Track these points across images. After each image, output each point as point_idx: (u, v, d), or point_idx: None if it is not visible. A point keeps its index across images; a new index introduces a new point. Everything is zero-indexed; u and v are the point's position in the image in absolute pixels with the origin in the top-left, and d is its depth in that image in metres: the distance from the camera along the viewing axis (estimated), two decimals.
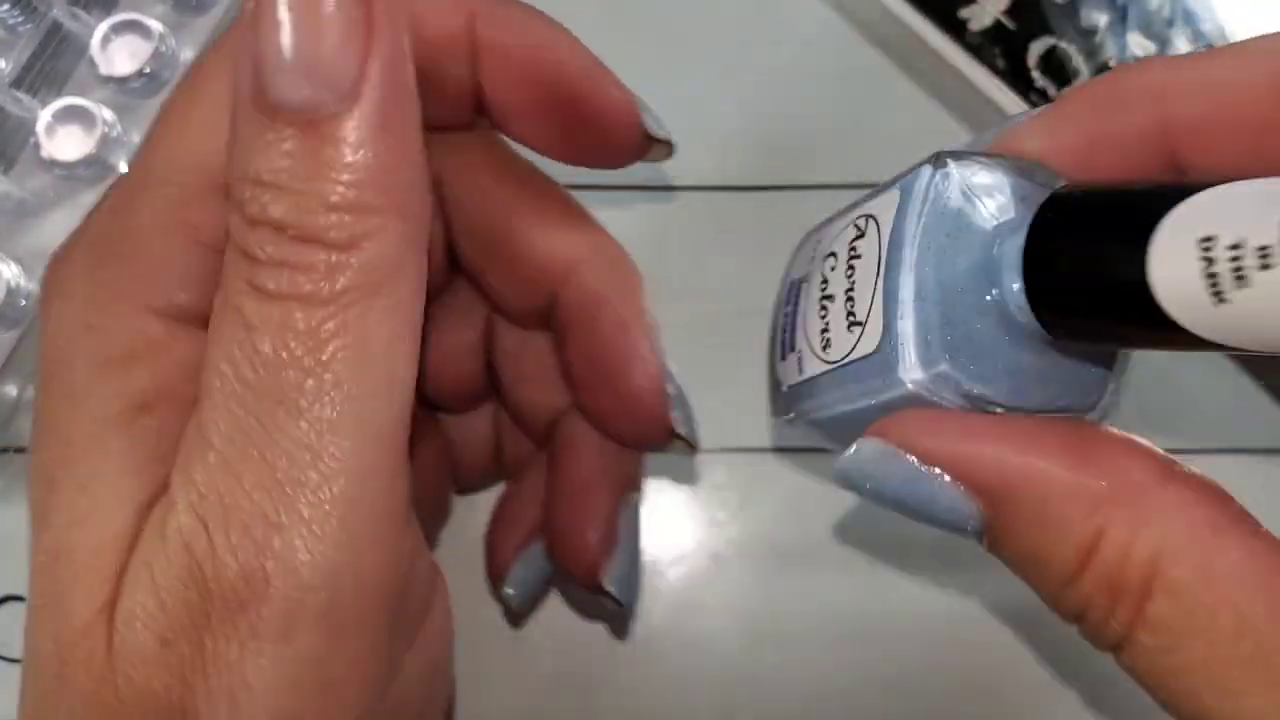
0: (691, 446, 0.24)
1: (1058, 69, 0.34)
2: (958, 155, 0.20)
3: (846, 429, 0.22)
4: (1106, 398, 0.20)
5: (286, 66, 0.16)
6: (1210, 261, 0.16)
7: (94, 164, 0.33)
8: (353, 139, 0.17)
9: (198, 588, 0.17)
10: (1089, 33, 0.34)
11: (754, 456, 0.33)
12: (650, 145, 0.24)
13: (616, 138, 0.23)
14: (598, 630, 0.32)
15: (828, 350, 0.22)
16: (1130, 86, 0.20)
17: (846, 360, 0.21)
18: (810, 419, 0.24)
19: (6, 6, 0.33)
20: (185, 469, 0.18)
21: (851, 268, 0.22)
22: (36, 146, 0.33)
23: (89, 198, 0.33)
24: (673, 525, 0.33)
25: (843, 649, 0.31)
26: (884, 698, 0.31)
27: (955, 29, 0.34)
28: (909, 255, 0.20)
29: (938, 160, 0.20)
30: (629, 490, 0.26)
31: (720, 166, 0.35)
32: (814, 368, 0.23)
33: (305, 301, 0.17)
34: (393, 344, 0.18)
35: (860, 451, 0.20)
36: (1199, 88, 0.19)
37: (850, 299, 0.22)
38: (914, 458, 0.19)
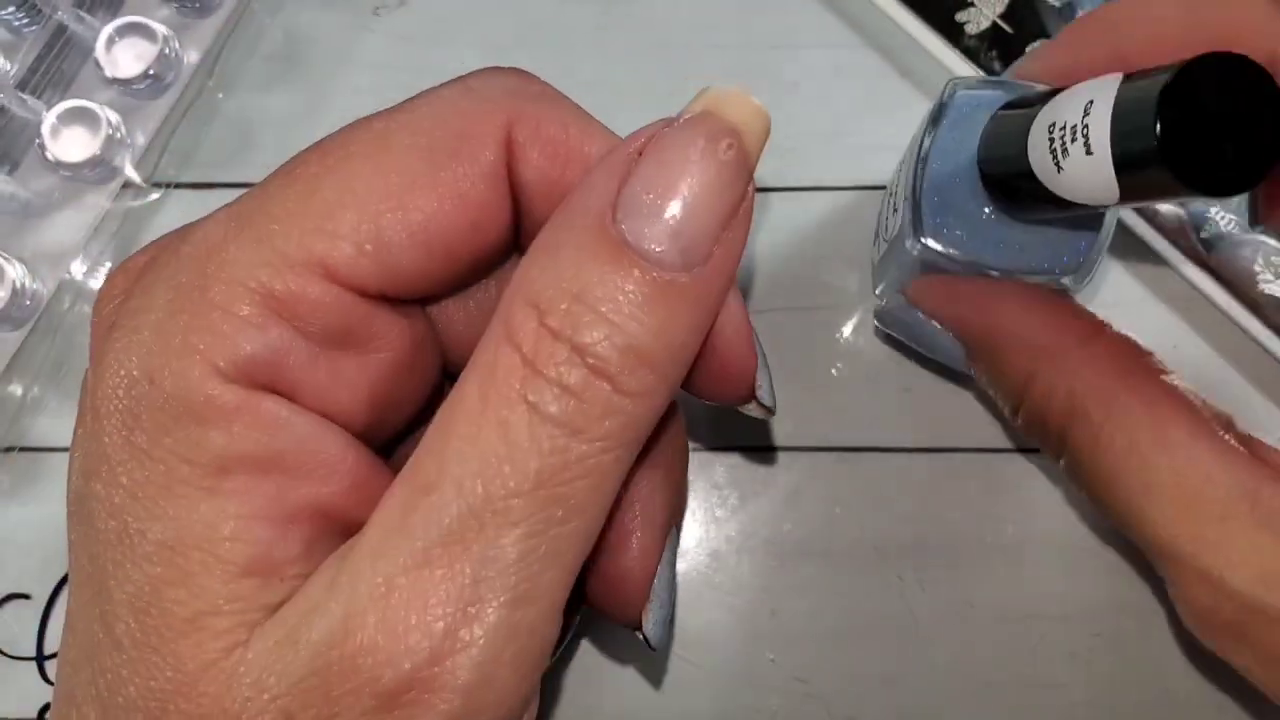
0: (769, 410, 0.24)
1: None
2: (966, 81, 0.28)
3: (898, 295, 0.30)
4: (1080, 260, 0.26)
5: (660, 219, 0.18)
6: (1051, 140, 0.22)
7: (99, 165, 0.33)
8: (682, 309, 0.18)
9: (342, 675, 0.17)
10: None
11: (754, 455, 0.33)
12: (749, 401, 0.23)
13: (724, 387, 0.22)
14: (597, 630, 0.32)
15: (885, 233, 0.31)
16: (1095, 22, 0.26)
17: (890, 238, 0.29)
18: (879, 290, 0.32)
19: (12, 9, 0.33)
20: (370, 553, 0.17)
21: (900, 171, 0.30)
22: (41, 148, 0.33)
23: (94, 199, 0.33)
24: None
25: (841, 647, 0.32)
26: (883, 696, 0.31)
27: (952, 32, 0.34)
28: (921, 154, 0.27)
29: (948, 85, 0.28)
30: (673, 526, 0.25)
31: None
32: (880, 248, 0.31)
33: (576, 434, 0.17)
34: (611, 496, 0.18)
35: (888, 304, 0.29)
36: (1139, 22, 0.24)
37: (893, 193, 0.30)
38: (920, 312, 0.28)
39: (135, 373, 0.18)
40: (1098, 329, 0.26)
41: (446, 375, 0.24)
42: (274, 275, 0.19)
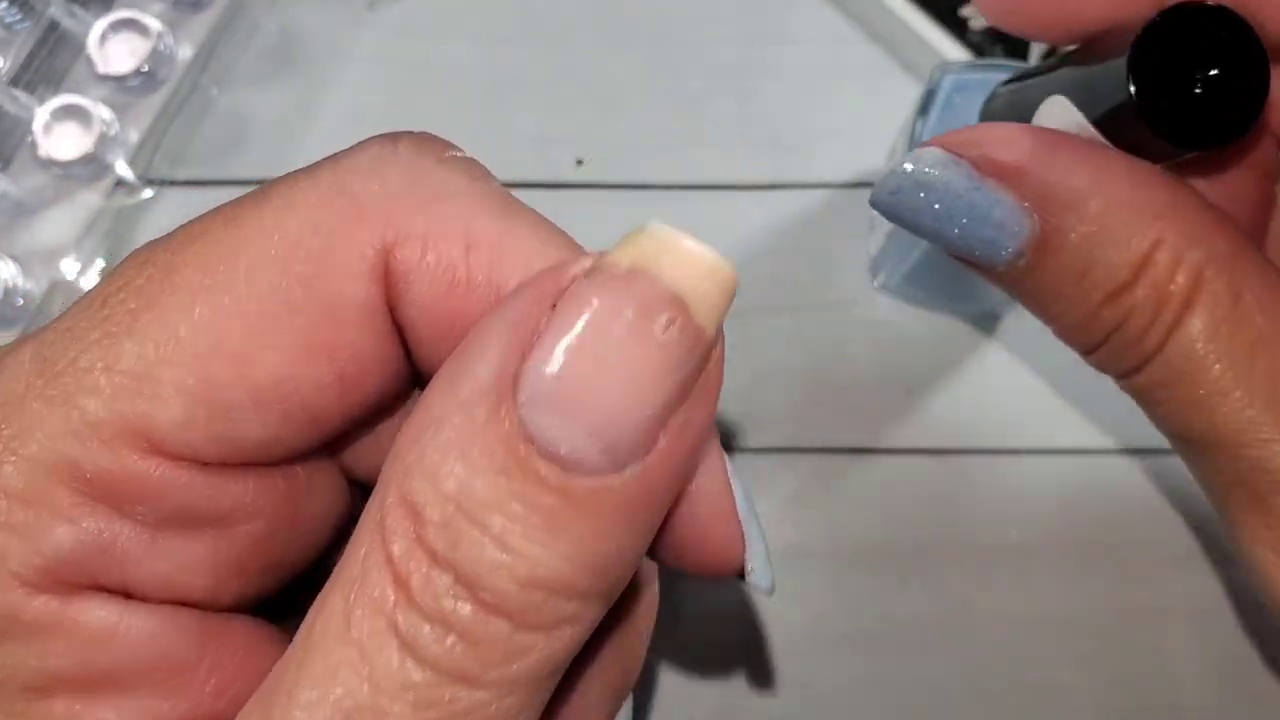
0: (764, 592, 0.19)
1: None
2: (953, 66, 0.28)
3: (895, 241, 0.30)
4: None
5: (573, 414, 0.13)
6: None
7: (91, 163, 0.33)
8: (611, 520, 0.14)
9: None
10: None
11: (754, 457, 0.33)
12: (737, 578, 0.19)
13: (703, 564, 0.18)
14: None
15: (880, 223, 0.31)
16: None
17: (888, 229, 0.30)
18: (877, 282, 0.32)
19: (4, 4, 0.33)
20: None
21: (890, 160, 0.31)
22: (33, 145, 0.32)
23: (86, 197, 0.33)
24: None
25: (842, 650, 0.31)
26: (885, 699, 0.31)
27: (956, 27, 0.34)
28: (913, 141, 0.27)
29: (935, 71, 0.28)
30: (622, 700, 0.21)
31: (720, 165, 0.35)
32: (877, 239, 0.32)
33: (462, 682, 0.14)
34: None
35: (922, 157, 0.20)
36: None
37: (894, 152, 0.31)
38: (972, 168, 0.20)
39: None
40: (1204, 197, 0.21)
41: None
42: (83, 450, 0.15)
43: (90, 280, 0.33)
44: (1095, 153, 0.20)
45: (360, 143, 0.17)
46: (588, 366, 0.13)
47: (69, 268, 0.33)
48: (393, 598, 0.13)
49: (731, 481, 0.18)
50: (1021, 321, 0.34)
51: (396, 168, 0.16)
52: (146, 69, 0.33)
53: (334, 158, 0.16)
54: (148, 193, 0.34)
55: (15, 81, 0.33)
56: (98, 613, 0.15)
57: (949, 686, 0.31)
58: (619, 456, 0.14)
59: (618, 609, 0.18)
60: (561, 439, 0.13)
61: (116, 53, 0.33)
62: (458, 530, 0.13)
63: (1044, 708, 0.31)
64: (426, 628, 0.13)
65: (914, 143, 0.28)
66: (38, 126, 0.32)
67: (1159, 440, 0.32)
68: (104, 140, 0.33)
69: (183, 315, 0.15)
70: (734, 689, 0.31)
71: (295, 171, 0.16)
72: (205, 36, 0.35)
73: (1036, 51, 0.34)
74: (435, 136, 0.17)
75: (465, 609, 0.13)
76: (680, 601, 0.32)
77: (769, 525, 0.32)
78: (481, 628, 0.13)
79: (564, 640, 0.14)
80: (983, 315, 0.34)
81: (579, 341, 0.13)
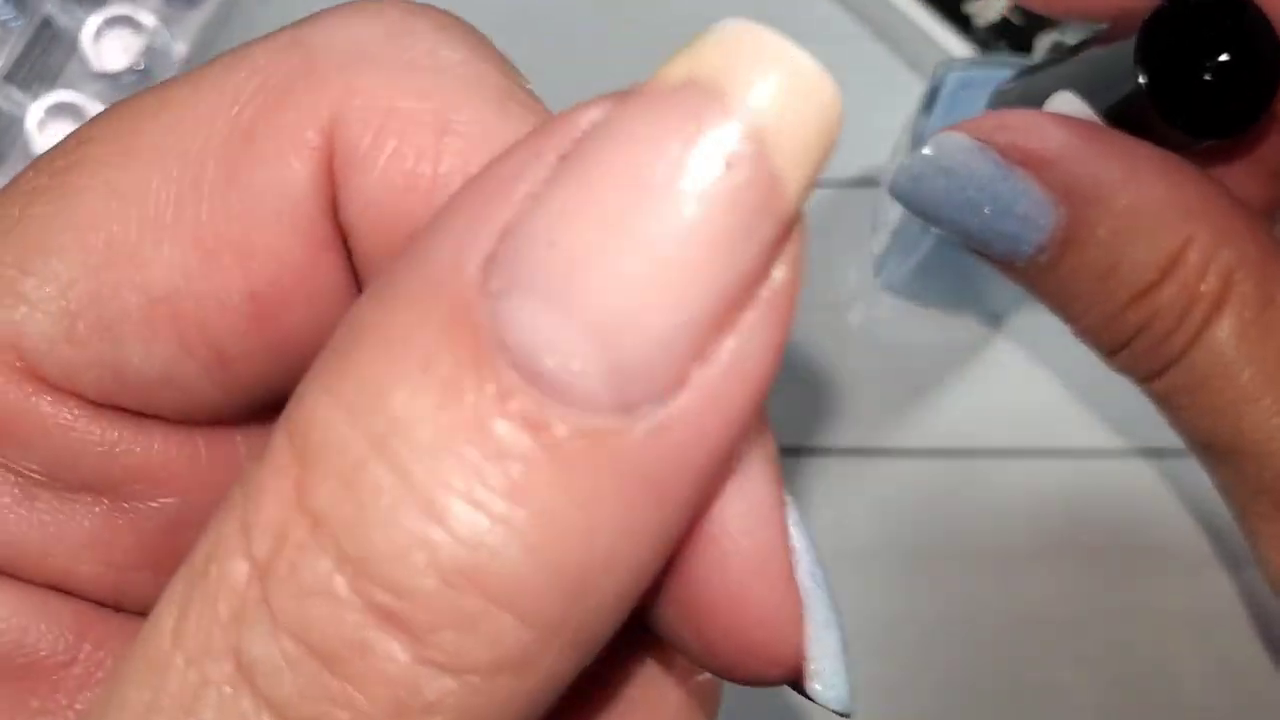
0: (842, 715, 0.13)
1: None
2: (956, 63, 0.28)
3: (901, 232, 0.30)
4: None
5: (579, 300, 0.09)
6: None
7: None
8: (610, 492, 0.09)
9: None
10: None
11: None
12: (794, 683, 0.13)
13: (740, 658, 0.12)
14: None
15: (884, 222, 0.31)
16: None
17: (894, 229, 0.30)
18: (881, 280, 0.32)
19: None
20: None
21: (894, 158, 0.31)
22: (27, 143, 0.32)
23: None
24: None
25: (848, 651, 0.31)
26: (890, 700, 0.31)
27: (961, 23, 0.34)
28: (916, 138, 0.27)
29: (938, 68, 0.27)
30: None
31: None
32: (881, 238, 0.32)
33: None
34: None
35: (946, 142, 0.19)
36: None
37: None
38: (999, 155, 0.19)
39: None
40: (1244, 205, 0.20)
41: None
42: None
43: None
44: (1127, 145, 0.19)
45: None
46: (601, 235, 0.09)
47: None
48: (240, 595, 0.09)
49: (792, 526, 0.12)
50: (1027, 321, 0.33)
51: (374, 25, 0.12)
52: (141, 66, 0.33)
53: (303, 21, 0.13)
54: None
55: (9, 79, 0.33)
56: None
57: (953, 688, 0.31)
58: (632, 389, 0.09)
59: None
60: (548, 346, 0.09)
61: (111, 50, 0.33)
62: (362, 479, 0.09)
63: (1047, 709, 0.31)
64: (277, 647, 0.09)
65: (917, 141, 0.27)
66: (31, 125, 0.32)
67: (1164, 442, 0.32)
68: None
69: (71, 198, 0.12)
70: (735, 689, 0.31)
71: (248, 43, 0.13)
72: (200, 33, 0.34)
73: (1041, 47, 0.33)
74: (442, 10, 0.13)
75: (345, 616, 0.09)
76: None
77: None
78: (361, 653, 0.09)
79: (496, 701, 0.09)
80: (988, 314, 0.33)
81: (591, 195, 0.09)
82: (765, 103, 0.09)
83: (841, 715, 0.13)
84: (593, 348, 0.09)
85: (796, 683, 0.13)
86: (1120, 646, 0.31)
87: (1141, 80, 0.19)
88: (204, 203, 0.12)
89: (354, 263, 0.13)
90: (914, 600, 0.31)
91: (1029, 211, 0.19)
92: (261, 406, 0.13)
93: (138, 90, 0.29)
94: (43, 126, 0.32)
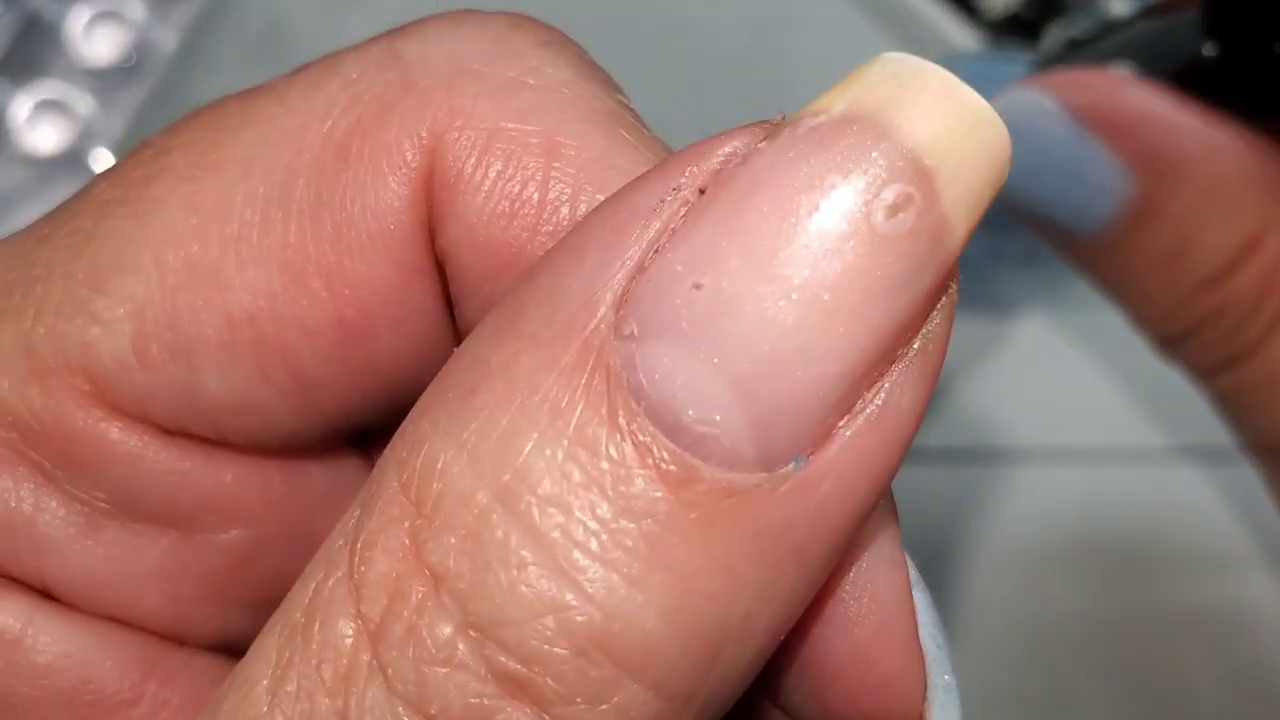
0: None
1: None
2: (960, 56, 0.27)
3: None
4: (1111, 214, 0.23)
5: (720, 347, 0.08)
6: None
7: (73, 156, 0.32)
8: (744, 554, 0.09)
9: None
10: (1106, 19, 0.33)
11: None
12: None
13: (855, 714, 0.12)
14: None
15: None
16: None
17: None
18: None
19: None
20: None
21: None
22: (14, 138, 0.32)
23: (67, 190, 0.32)
24: None
25: None
26: None
27: (969, 14, 0.33)
28: None
29: (944, 62, 0.25)
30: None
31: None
32: None
33: None
34: None
35: (1020, 100, 0.17)
36: None
37: None
38: (1075, 117, 0.17)
39: None
40: None
41: None
42: (14, 385, 0.11)
43: None
44: (1209, 119, 0.18)
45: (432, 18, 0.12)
46: (752, 278, 0.08)
47: None
48: (348, 658, 0.08)
49: (913, 586, 0.12)
50: (1034, 322, 0.33)
51: (476, 39, 0.12)
52: (130, 60, 0.33)
53: (392, 32, 0.12)
54: None
55: None
56: (6, 620, 0.12)
57: (962, 694, 0.30)
58: (776, 444, 0.08)
59: None
60: (690, 396, 0.08)
61: (98, 44, 0.33)
62: (488, 535, 0.08)
63: (1056, 716, 0.30)
64: (391, 718, 0.08)
65: None
66: (18, 119, 0.32)
67: (1176, 444, 0.32)
68: (86, 132, 0.32)
69: (148, 213, 0.11)
70: None
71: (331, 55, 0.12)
72: (189, 26, 0.34)
73: (1049, 38, 0.33)
74: (544, 24, 0.12)
75: (469, 684, 0.08)
76: None
77: None
78: (494, 714, 0.08)
79: None
80: (996, 310, 0.33)
81: (741, 234, 0.08)
82: (934, 142, 0.09)
83: None
84: (738, 399, 0.08)
85: None
86: (1132, 652, 0.31)
87: (1211, 52, 0.17)
88: (292, 222, 0.11)
89: (450, 291, 0.12)
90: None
91: (1102, 181, 0.18)
92: (338, 437, 0.13)
93: (130, 86, 0.29)
94: (29, 121, 0.32)
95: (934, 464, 0.32)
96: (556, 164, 0.11)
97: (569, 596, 0.08)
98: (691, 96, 0.35)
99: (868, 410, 0.09)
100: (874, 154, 0.09)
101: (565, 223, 0.11)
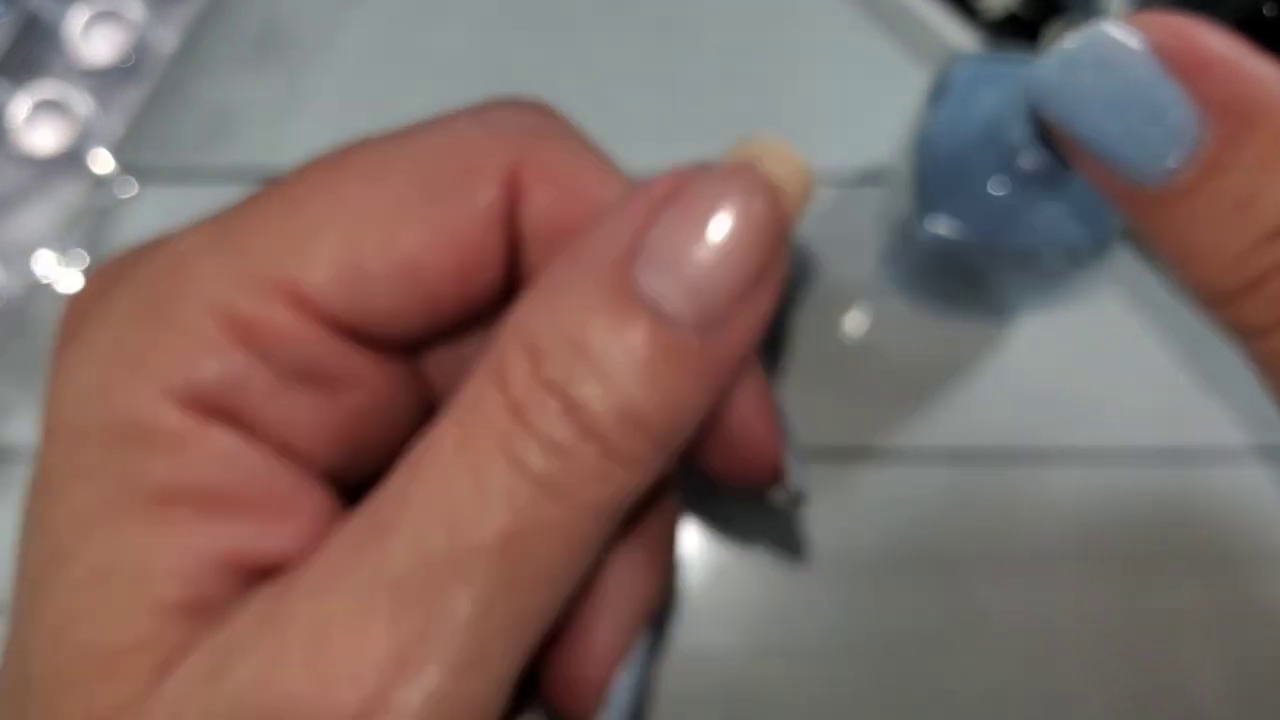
0: (796, 498, 0.21)
1: None
2: (965, 58, 0.27)
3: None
4: (1099, 235, 0.26)
5: (680, 273, 0.16)
6: None
7: (72, 156, 0.32)
8: (688, 376, 0.17)
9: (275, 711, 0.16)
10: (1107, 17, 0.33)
11: None
12: (773, 486, 0.21)
13: (741, 469, 0.20)
14: None
15: (890, 219, 0.31)
16: None
17: (897, 224, 0.30)
18: (887, 278, 0.33)
19: None
20: (309, 590, 0.16)
21: (900, 155, 0.30)
22: (13, 139, 0.32)
23: (66, 191, 0.32)
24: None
25: (846, 659, 0.31)
26: (894, 708, 0.31)
27: (968, 15, 0.33)
28: (924, 135, 0.27)
29: (947, 63, 0.27)
30: (648, 623, 0.22)
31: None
32: (885, 234, 0.32)
33: (556, 495, 0.16)
34: (582, 571, 0.17)
35: (1102, 35, 0.18)
36: None
37: (895, 177, 0.30)
38: (1157, 55, 0.17)
39: (88, 387, 0.17)
40: None
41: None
42: (241, 295, 0.17)
43: (72, 274, 0.33)
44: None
45: (492, 100, 0.20)
46: (695, 238, 0.17)
47: (49, 261, 0.32)
48: (505, 420, 0.16)
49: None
50: (1035, 322, 0.33)
51: (525, 113, 0.20)
52: (129, 61, 0.33)
53: (471, 106, 0.20)
54: (130, 185, 0.33)
55: None
56: (226, 438, 0.17)
57: (961, 694, 0.31)
58: (706, 321, 0.17)
59: (653, 501, 0.21)
60: (666, 299, 0.16)
61: (97, 43, 0.33)
62: (572, 365, 0.16)
63: (1059, 717, 0.30)
64: (534, 445, 0.16)
65: (924, 136, 0.27)
66: (17, 120, 0.32)
67: (1178, 445, 0.32)
68: (85, 132, 0.32)
69: (345, 194, 0.18)
70: (741, 693, 0.31)
71: (440, 115, 0.20)
72: (188, 26, 0.34)
73: (1049, 38, 0.33)
74: (546, 104, 0.21)
75: (568, 430, 0.16)
76: (684, 603, 0.31)
77: (775, 527, 0.32)
78: (577, 449, 0.16)
79: (633, 479, 0.17)
80: (994, 311, 0.33)
81: (692, 216, 0.17)
82: (780, 176, 0.18)
83: (802, 500, 0.21)
84: (688, 302, 0.16)
85: (776, 478, 0.21)
86: (1133, 653, 0.31)
87: (1271, 13, 0.17)
88: (432, 205, 0.18)
89: (521, 250, 0.19)
90: (922, 604, 0.31)
91: (1180, 124, 0.17)
92: (433, 337, 0.20)
93: (129, 86, 0.32)
94: (28, 120, 0.32)
95: (930, 466, 0.32)
96: (582, 178, 0.19)
97: (609, 392, 0.16)
98: (689, 94, 0.35)
99: (751, 304, 0.17)
100: (752, 180, 0.17)
101: (588, 208, 0.19)
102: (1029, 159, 0.25)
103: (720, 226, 0.17)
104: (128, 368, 0.17)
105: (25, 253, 0.32)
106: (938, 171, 0.27)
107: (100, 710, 0.16)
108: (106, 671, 0.16)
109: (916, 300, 0.33)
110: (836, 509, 0.32)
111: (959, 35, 0.33)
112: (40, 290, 0.32)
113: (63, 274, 0.32)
